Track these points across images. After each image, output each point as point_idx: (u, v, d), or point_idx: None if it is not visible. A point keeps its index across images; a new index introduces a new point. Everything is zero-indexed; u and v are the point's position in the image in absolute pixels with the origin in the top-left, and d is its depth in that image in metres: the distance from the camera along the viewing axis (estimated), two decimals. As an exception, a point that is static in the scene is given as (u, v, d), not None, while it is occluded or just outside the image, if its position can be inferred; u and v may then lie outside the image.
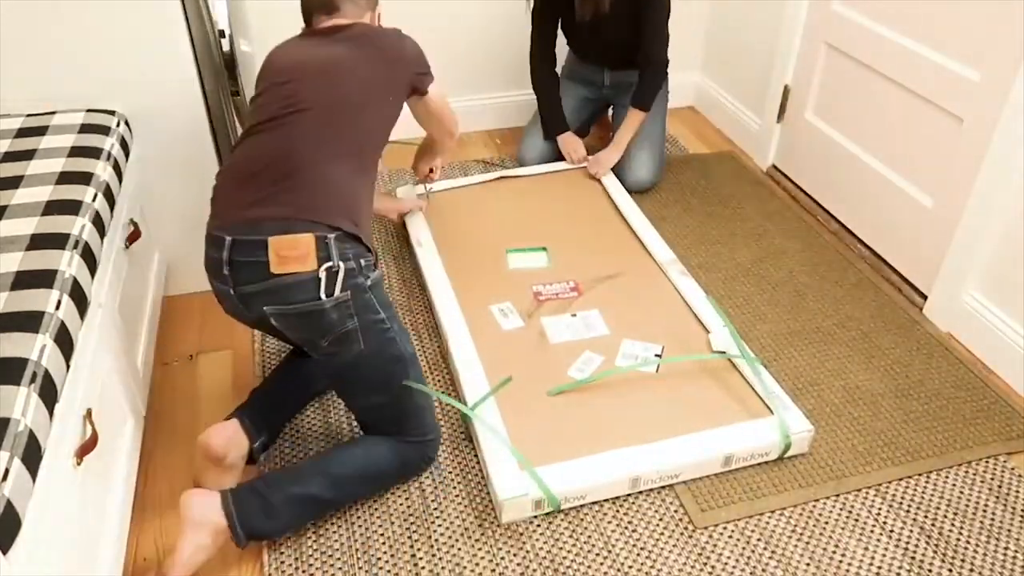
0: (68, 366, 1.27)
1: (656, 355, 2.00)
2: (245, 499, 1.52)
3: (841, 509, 1.70)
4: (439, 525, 1.66)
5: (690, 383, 1.92)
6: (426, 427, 1.70)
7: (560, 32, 2.74)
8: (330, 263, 1.47)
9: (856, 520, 1.68)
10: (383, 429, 1.67)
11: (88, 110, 1.89)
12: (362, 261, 1.54)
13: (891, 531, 1.65)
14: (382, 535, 1.63)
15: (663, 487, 1.72)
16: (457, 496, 1.71)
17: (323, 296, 1.47)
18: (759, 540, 1.63)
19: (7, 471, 1.03)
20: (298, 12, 1.79)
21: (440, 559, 1.58)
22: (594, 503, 1.69)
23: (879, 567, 1.58)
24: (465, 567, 1.57)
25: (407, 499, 1.70)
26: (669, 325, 2.10)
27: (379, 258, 2.44)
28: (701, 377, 1.94)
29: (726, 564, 1.59)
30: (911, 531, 1.66)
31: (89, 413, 1.37)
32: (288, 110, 1.59)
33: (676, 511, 1.68)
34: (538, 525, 1.65)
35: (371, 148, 1.68)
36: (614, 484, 1.68)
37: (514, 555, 1.59)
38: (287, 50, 1.75)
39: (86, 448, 1.31)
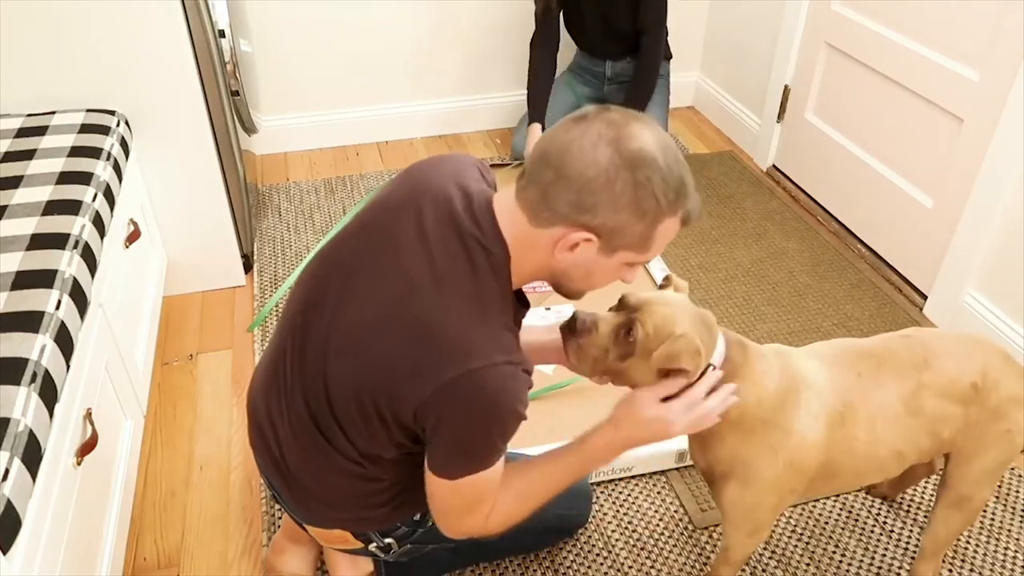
0: (68, 366, 1.27)
1: None
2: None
3: (841, 509, 1.70)
4: (439, 525, 1.65)
5: None
6: (579, 511, 1.56)
7: (566, 32, 2.76)
8: (374, 543, 1.28)
9: (856, 520, 1.68)
10: None
11: (88, 110, 1.89)
12: (417, 516, 1.26)
13: (891, 531, 1.65)
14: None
15: (661, 487, 1.73)
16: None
17: (382, 555, 1.32)
18: (759, 540, 1.63)
19: (7, 471, 1.03)
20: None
21: (440, 559, 1.58)
22: (594, 503, 1.69)
23: (879, 567, 1.58)
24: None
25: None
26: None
27: None
28: None
29: (726, 564, 1.58)
30: (911, 531, 1.65)
31: (89, 413, 1.37)
32: (301, 338, 1.13)
33: (676, 511, 1.68)
34: (538, 525, 1.65)
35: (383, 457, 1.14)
36: None
37: (514, 555, 1.59)
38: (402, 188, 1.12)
39: (86, 448, 1.31)
